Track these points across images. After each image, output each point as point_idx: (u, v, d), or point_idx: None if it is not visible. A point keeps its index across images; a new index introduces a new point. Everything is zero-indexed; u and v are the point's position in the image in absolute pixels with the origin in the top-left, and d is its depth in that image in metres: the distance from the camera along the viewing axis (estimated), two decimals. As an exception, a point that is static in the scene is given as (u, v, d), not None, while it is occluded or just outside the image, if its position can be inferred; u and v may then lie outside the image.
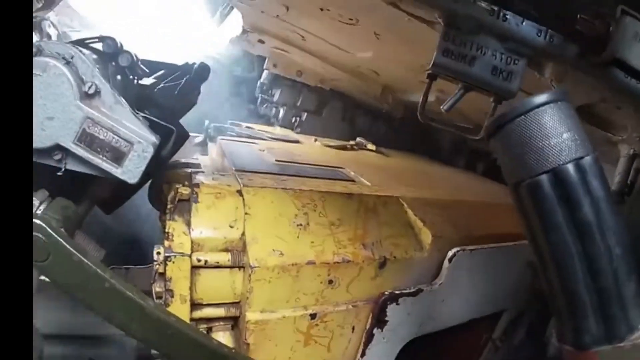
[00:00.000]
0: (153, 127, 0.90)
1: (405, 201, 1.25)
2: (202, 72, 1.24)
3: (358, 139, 2.35)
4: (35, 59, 0.81)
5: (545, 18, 0.79)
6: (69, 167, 0.87)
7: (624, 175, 1.06)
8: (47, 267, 0.78)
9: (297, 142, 2.07)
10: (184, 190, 0.99)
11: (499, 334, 1.49)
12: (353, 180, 1.40)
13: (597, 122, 1.07)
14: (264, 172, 1.24)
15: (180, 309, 0.91)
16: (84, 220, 1.01)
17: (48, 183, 0.93)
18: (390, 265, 1.08)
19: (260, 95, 2.68)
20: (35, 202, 0.90)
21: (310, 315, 1.00)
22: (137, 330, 0.82)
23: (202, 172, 1.14)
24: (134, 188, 0.98)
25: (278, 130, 2.46)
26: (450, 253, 1.17)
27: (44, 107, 0.81)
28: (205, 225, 0.97)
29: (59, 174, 0.87)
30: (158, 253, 0.90)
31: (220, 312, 1.00)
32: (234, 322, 1.03)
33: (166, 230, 0.94)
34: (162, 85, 1.11)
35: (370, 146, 2.29)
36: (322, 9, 1.37)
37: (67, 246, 0.79)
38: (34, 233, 0.77)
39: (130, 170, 0.86)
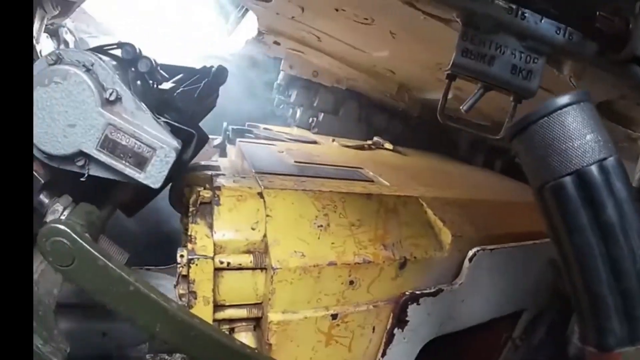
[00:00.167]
0: (174, 131, 0.91)
1: (424, 201, 1.25)
2: (220, 74, 1.25)
3: (375, 138, 2.34)
4: (56, 67, 0.82)
5: (564, 16, 0.78)
6: (92, 172, 0.88)
7: (645, 173, 1.04)
8: (72, 272, 0.79)
9: (314, 142, 2.08)
10: (206, 193, 1.00)
11: (519, 333, 1.48)
12: (372, 181, 1.40)
13: (616, 118, 1.06)
14: (284, 173, 1.26)
15: (203, 311, 0.93)
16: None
17: (71, 189, 0.95)
18: (411, 265, 1.08)
19: (277, 96, 2.69)
20: (59, 208, 0.92)
21: (332, 315, 1.00)
22: (161, 332, 0.82)
23: (223, 174, 1.15)
24: (155, 191, 0.99)
25: (295, 131, 2.47)
26: (470, 253, 1.16)
27: (66, 115, 0.82)
28: (227, 228, 0.98)
29: (82, 179, 0.88)
30: (181, 256, 0.91)
31: (242, 313, 1.01)
32: (256, 323, 1.04)
33: (189, 233, 0.95)
34: (181, 89, 1.12)
35: (388, 145, 2.28)
36: (337, 10, 1.37)
37: (92, 251, 0.79)
38: (59, 238, 0.77)
39: (153, 175, 0.87)
